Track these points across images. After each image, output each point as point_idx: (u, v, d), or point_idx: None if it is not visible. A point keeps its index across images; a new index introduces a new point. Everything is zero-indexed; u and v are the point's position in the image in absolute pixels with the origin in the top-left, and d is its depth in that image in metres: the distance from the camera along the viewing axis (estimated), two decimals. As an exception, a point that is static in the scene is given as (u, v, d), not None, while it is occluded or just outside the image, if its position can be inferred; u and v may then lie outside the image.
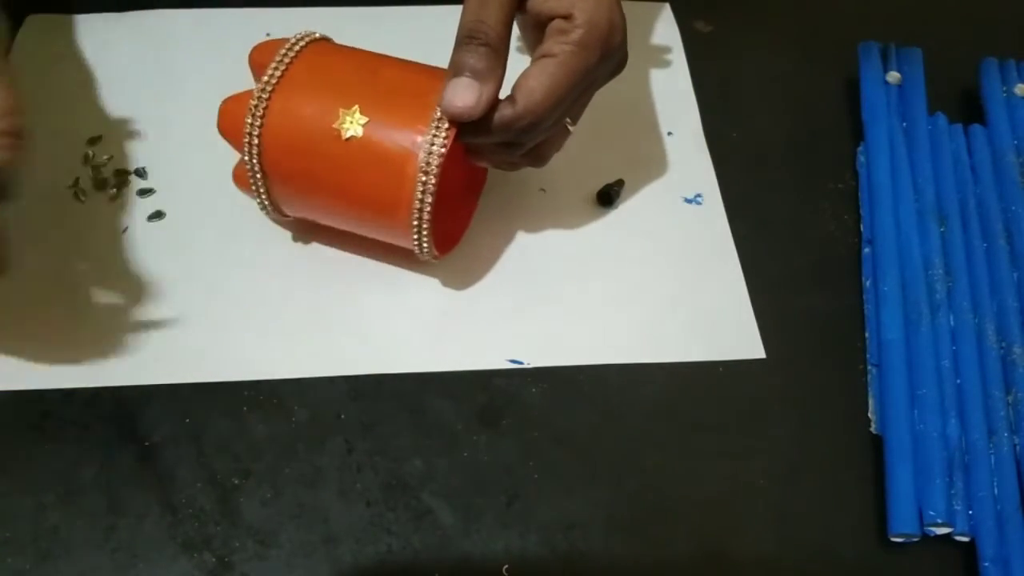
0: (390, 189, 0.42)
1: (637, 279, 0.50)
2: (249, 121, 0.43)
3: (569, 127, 0.45)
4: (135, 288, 0.47)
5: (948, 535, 0.42)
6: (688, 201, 0.53)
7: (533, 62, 0.41)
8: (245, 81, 0.54)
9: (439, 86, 0.41)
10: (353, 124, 0.41)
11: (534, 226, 0.51)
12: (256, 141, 0.43)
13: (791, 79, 0.60)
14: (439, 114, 0.41)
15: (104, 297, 0.47)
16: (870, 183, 0.53)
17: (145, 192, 0.51)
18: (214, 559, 0.40)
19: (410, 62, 0.44)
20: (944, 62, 0.59)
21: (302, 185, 0.44)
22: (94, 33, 0.58)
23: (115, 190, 0.51)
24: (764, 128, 0.57)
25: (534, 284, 0.49)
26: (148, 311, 0.46)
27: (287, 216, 0.47)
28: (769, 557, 0.42)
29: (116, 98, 0.55)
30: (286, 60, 0.43)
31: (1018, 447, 0.44)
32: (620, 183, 0.53)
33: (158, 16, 0.59)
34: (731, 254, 0.51)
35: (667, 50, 0.61)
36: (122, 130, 0.53)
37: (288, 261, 0.49)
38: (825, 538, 0.42)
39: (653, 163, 0.55)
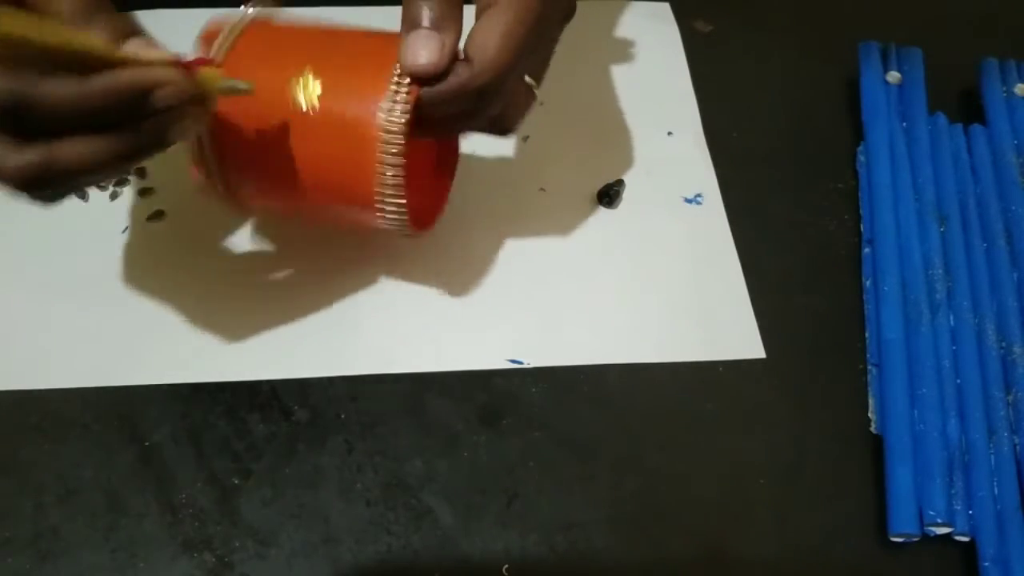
0: (355, 153, 0.39)
1: (637, 279, 0.50)
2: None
3: (534, 88, 0.42)
4: (135, 288, 0.47)
5: (948, 535, 0.42)
6: (688, 201, 0.53)
7: (477, 16, 0.38)
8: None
9: (395, 49, 0.38)
10: (308, 93, 0.39)
11: (534, 226, 0.51)
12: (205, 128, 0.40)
13: (791, 79, 0.60)
14: (398, 74, 0.38)
15: (104, 297, 0.47)
16: (870, 183, 0.53)
17: (145, 192, 0.51)
18: (214, 559, 0.40)
19: (365, 29, 0.42)
20: (944, 62, 0.59)
21: (259, 166, 0.41)
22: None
23: (115, 189, 0.51)
24: (764, 128, 0.57)
25: (534, 284, 0.49)
26: (148, 311, 0.46)
27: (248, 206, 0.45)
28: (769, 557, 0.42)
29: (116, 98, 0.55)
30: (234, 34, 0.40)
31: (1018, 447, 0.44)
32: (620, 183, 0.53)
33: (158, 16, 0.59)
34: (731, 254, 0.51)
35: (667, 50, 0.61)
36: (122, 130, 0.53)
37: (288, 261, 0.49)
38: (825, 538, 0.42)
39: (653, 163, 0.55)
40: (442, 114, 0.39)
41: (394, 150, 0.38)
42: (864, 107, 0.56)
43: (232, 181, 0.42)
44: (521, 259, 0.50)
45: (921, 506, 0.42)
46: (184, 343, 0.45)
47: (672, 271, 0.50)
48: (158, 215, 0.50)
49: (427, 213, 0.46)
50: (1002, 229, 0.51)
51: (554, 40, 0.42)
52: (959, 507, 0.42)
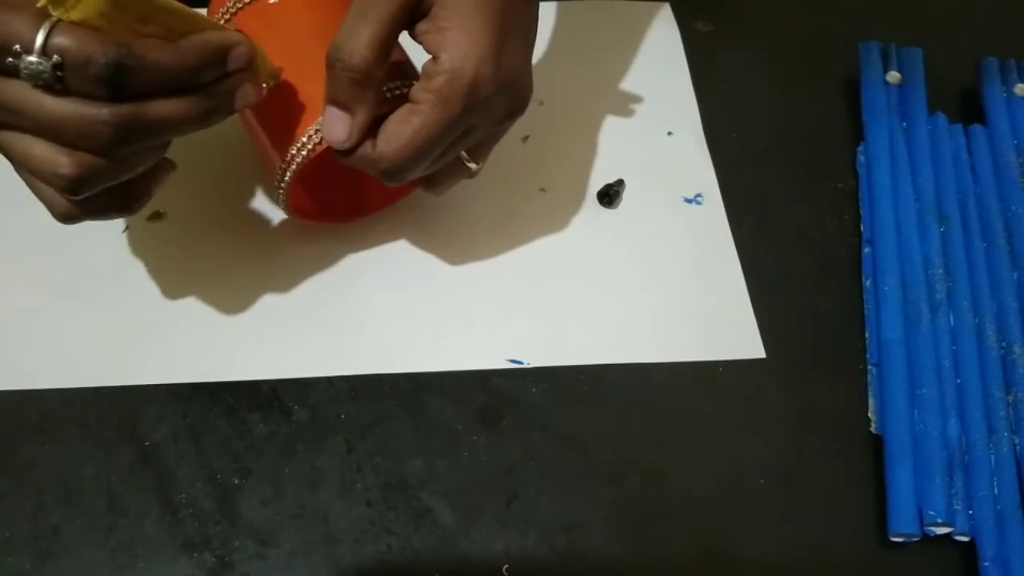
0: (270, 148, 0.43)
1: (637, 279, 0.50)
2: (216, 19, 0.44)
3: (469, 164, 0.43)
4: (134, 288, 0.47)
5: (948, 535, 0.42)
6: (688, 201, 0.53)
7: (410, 97, 0.39)
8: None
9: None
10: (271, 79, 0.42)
11: (534, 226, 0.51)
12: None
13: (791, 79, 0.60)
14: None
15: (104, 297, 0.47)
16: (870, 183, 0.53)
17: (145, 192, 0.51)
18: (214, 559, 0.40)
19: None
20: (944, 62, 0.59)
21: None
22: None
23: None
24: (764, 128, 0.57)
25: (535, 284, 0.49)
26: (148, 311, 0.46)
27: None
28: (769, 557, 0.42)
29: (116, 98, 0.55)
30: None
31: (1018, 447, 0.44)
32: (620, 183, 0.53)
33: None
34: (731, 254, 0.51)
35: (667, 50, 0.61)
36: (122, 130, 0.53)
37: (288, 261, 0.49)
38: (825, 538, 0.42)
39: (653, 163, 0.55)
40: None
41: (289, 176, 0.42)
42: (864, 107, 0.56)
43: None
44: (521, 259, 0.50)
45: (921, 506, 0.42)
46: (184, 343, 0.45)
47: (672, 271, 0.50)
48: (158, 215, 0.50)
49: (329, 212, 0.49)
50: (1002, 229, 0.51)
51: (498, 133, 0.43)
52: (959, 507, 0.42)
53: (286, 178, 0.43)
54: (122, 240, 0.49)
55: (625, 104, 0.58)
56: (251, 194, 0.51)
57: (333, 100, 0.38)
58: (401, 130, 0.38)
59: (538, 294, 0.49)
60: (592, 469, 0.43)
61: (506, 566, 0.40)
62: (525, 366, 0.46)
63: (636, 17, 0.63)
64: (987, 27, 0.64)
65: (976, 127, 0.56)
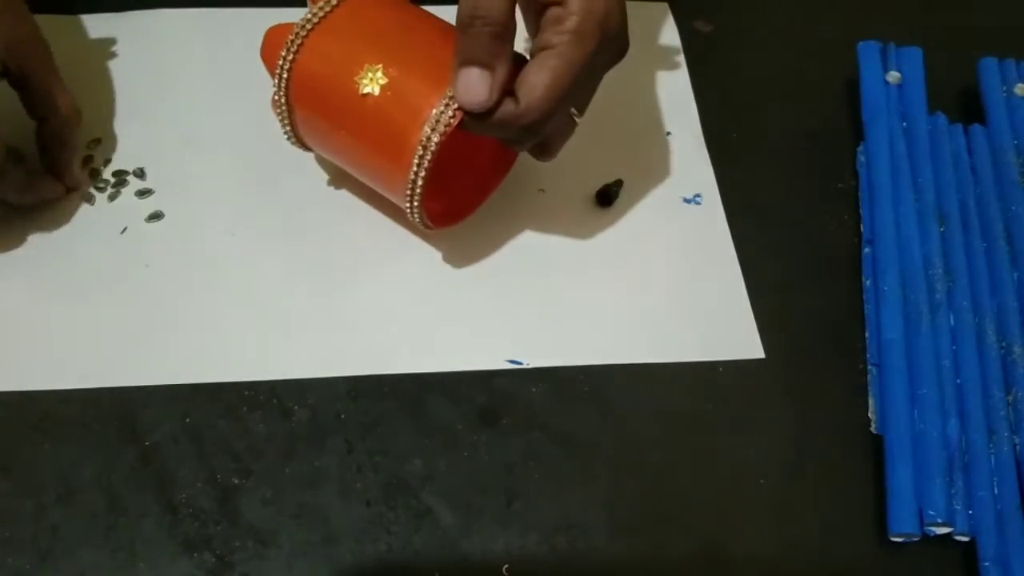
0: (392, 154, 0.42)
1: (637, 279, 0.50)
2: (283, 54, 0.44)
3: (576, 118, 0.44)
4: (135, 288, 0.47)
5: (948, 535, 0.42)
6: (688, 201, 0.53)
7: (532, 56, 0.40)
8: (245, 80, 0.54)
9: None
10: (372, 82, 0.41)
11: (534, 226, 0.51)
12: (286, 75, 0.44)
13: (791, 79, 0.60)
14: (451, 95, 0.40)
15: (104, 297, 0.47)
16: (870, 183, 0.53)
17: (144, 192, 0.51)
18: (214, 559, 0.40)
19: (446, 25, 0.44)
20: (944, 62, 0.59)
21: (320, 126, 0.45)
22: (94, 33, 0.58)
23: (114, 190, 0.51)
24: (764, 128, 0.57)
25: (534, 284, 0.49)
26: (148, 311, 0.46)
27: (308, 149, 0.49)
28: (769, 557, 0.42)
29: (116, 98, 0.55)
30: (333, 1, 0.44)
31: (1018, 447, 0.44)
32: (619, 183, 0.53)
33: (158, 16, 0.59)
34: (731, 254, 0.51)
35: (667, 50, 0.61)
36: (122, 130, 0.53)
37: (288, 261, 0.49)
38: (825, 538, 0.42)
39: (653, 163, 0.55)
40: (486, 136, 0.42)
41: (427, 161, 0.41)
42: (864, 107, 0.56)
43: (297, 128, 0.47)
44: (521, 260, 0.50)
45: (921, 506, 0.42)
46: (184, 343, 0.45)
47: (671, 271, 0.50)
48: (158, 215, 0.50)
49: (456, 210, 0.49)
50: (1002, 229, 0.51)
51: (600, 77, 0.43)
52: (959, 507, 0.42)
53: (420, 176, 0.42)
54: (122, 240, 0.49)
55: (625, 104, 0.58)
56: (251, 194, 0.51)
57: (471, 60, 0.38)
58: (542, 76, 0.39)
59: (538, 294, 0.49)
60: (592, 469, 0.43)
61: (506, 566, 0.40)
62: (525, 366, 0.46)
63: (635, 17, 0.62)
64: (987, 27, 0.64)
65: (976, 127, 0.56)
